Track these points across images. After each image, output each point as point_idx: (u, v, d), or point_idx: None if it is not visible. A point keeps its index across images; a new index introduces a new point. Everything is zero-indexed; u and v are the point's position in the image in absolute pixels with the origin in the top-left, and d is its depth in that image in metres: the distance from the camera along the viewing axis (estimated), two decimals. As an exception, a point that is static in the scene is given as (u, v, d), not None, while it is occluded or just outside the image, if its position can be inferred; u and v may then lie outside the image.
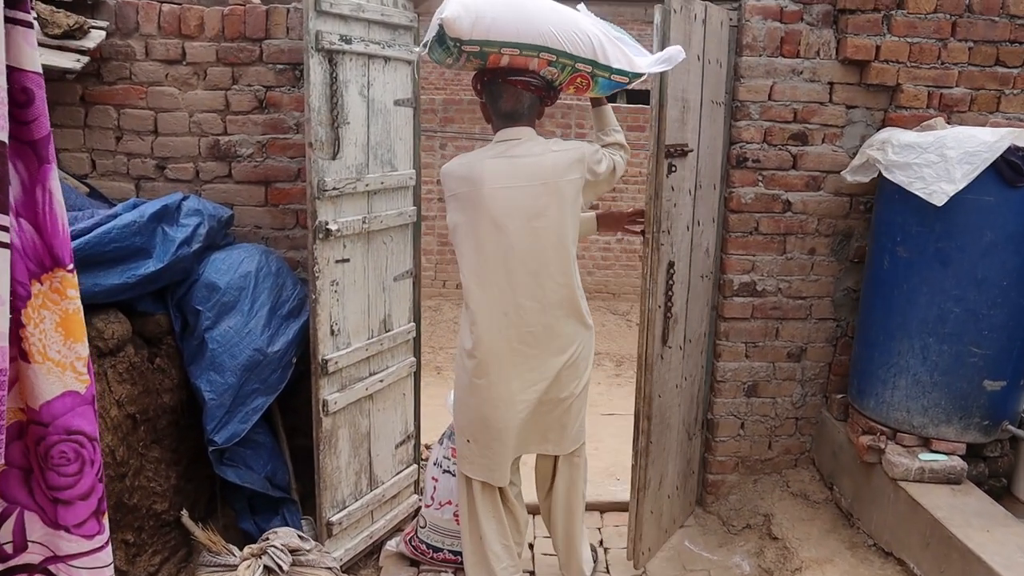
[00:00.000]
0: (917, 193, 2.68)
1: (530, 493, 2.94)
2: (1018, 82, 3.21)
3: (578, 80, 2.49)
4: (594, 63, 2.40)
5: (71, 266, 1.41)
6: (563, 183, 2.45)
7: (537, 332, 2.50)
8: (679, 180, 2.82)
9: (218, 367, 2.75)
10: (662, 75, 2.54)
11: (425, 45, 2.40)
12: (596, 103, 2.74)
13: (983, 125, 3.13)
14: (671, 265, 2.79)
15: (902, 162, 2.76)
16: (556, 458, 2.76)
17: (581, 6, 2.59)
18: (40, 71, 1.33)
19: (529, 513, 2.96)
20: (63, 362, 1.41)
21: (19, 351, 1.36)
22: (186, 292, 2.83)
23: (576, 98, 8.21)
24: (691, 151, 2.84)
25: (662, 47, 2.52)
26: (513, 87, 2.43)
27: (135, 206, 2.74)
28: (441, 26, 2.23)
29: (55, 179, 1.37)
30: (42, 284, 1.38)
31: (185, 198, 2.90)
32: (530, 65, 2.39)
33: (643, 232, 2.76)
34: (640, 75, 2.51)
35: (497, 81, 2.44)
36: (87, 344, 1.46)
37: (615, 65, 2.43)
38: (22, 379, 1.38)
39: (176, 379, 2.85)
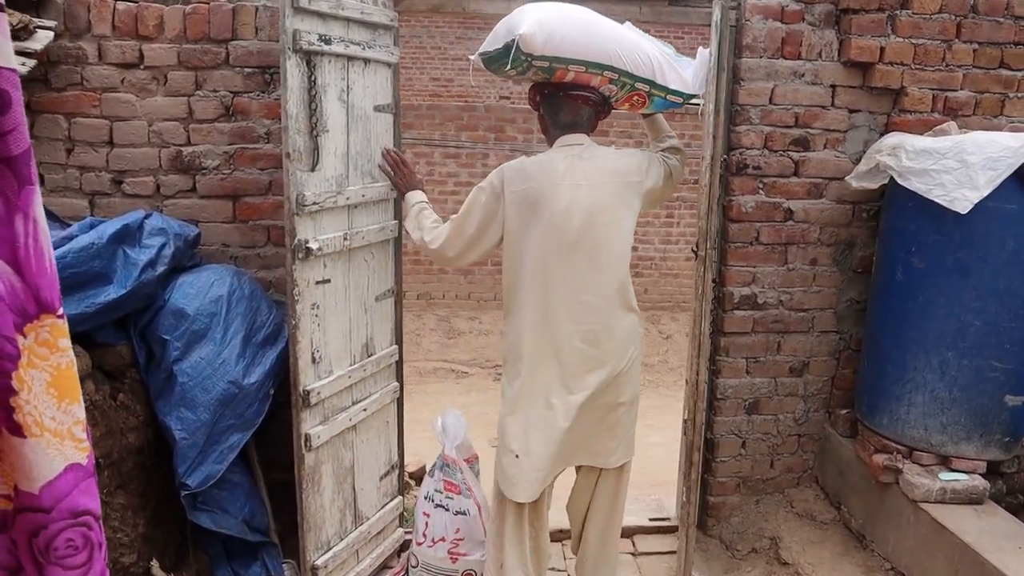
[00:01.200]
0: (937, 201, 2.55)
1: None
2: (1022, 85, 3.12)
3: (634, 98, 2.58)
4: (652, 83, 2.48)
5: (61, 311, 1.12)
6: (626, 183, 2.48)
7: (597, 331, 2.43)
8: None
9: (189, 403, 2.48)
10: (718, 77, 2.39)
11: (484, 55, 2.43)
12: (647, 113, 2.79)
13: (988, 130, 3.04)
14: (714, 281, 2.60)
15: (918, 168, 2.63)
16: (599, 473, 2.62)
17: (628, 23, 2.61)
18: (15, 67, 1.04)
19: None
20: (60, 430, 1.12)
21: (8, 424, 1.08)
22: (151, 320, 2.55)
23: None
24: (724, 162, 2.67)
25: (719, 46, 2.36)
26: (573, 101, 2.49)
27: (92, 226, 2.46)
28: (515, 40, 2.25)
29: (39, 204, 1.08)
30: (26, 337, 1.08)
31: (148, 216, 2.62)
32: (592, 82, 2.45)
33: (695, 249, 2.63)
34: (692, 96, 2.59)
35: (558, 95, 2.49)
36: (83, 403, 1.17)
37: (672, 86, 2.52)
38: (9, 458, 1.10)
39: (142, 416, 2.57)
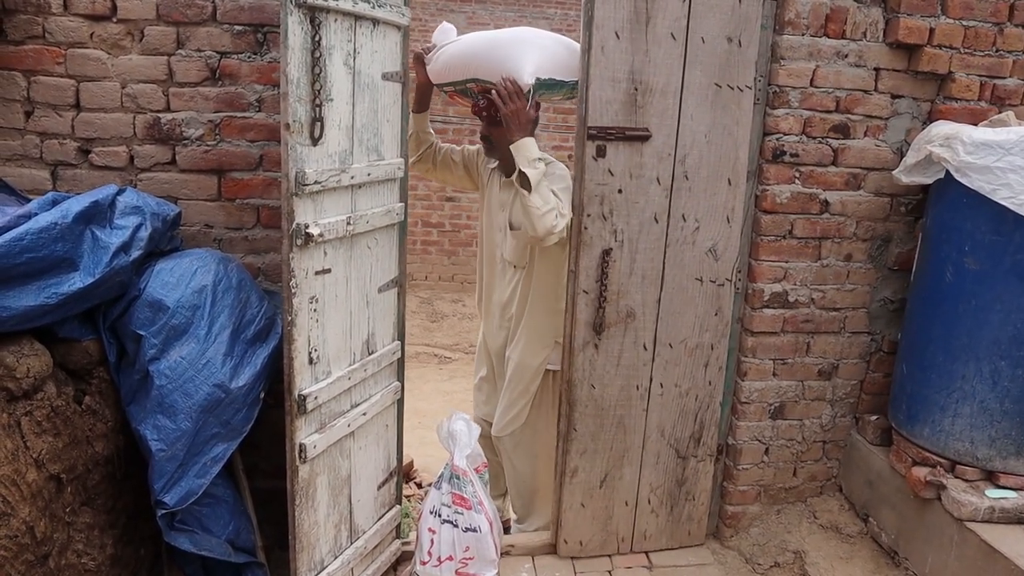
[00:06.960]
0: (1004, 204, 2.34)
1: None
2: (1073, 74, 2.92)
3: None
4: None
5: None
6: None
7: None
8: (632, 166, 2.72)
9: (168, 409, 2.17)
10: (587, 55, 2.51)
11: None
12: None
13: (1036, 120, 2.84)
14: (606, 253, 2.73)
15: (980, 164, 2.41)
16: None
17: (447, 24, 3.14)
18: None
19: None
20: None
21: None
22: (124, 312, 2.23)
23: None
24: (648, 137, 2.68)
25: (589, 17, 2.53)
26: None
27: (55, 202, 2.12)
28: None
29: None
30: None
31: (121, 192, 2.29)
32: None
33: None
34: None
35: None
36: None
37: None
38: None
39: (111, 422, 2.25)
